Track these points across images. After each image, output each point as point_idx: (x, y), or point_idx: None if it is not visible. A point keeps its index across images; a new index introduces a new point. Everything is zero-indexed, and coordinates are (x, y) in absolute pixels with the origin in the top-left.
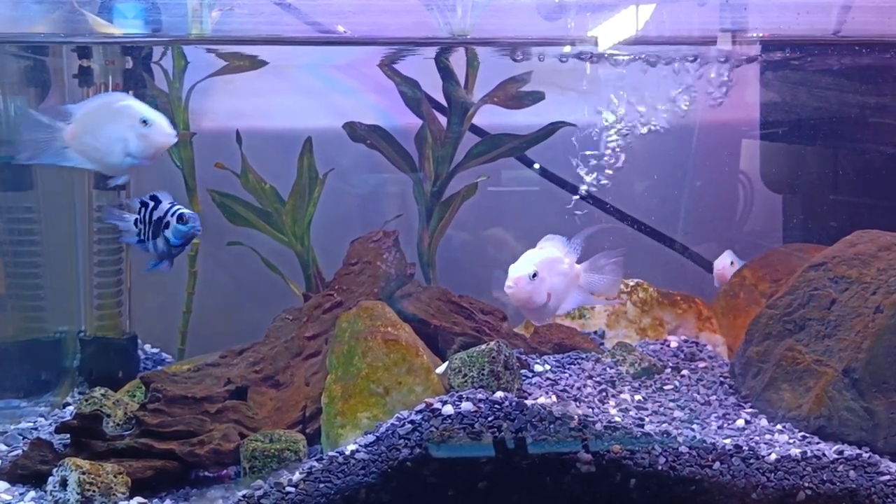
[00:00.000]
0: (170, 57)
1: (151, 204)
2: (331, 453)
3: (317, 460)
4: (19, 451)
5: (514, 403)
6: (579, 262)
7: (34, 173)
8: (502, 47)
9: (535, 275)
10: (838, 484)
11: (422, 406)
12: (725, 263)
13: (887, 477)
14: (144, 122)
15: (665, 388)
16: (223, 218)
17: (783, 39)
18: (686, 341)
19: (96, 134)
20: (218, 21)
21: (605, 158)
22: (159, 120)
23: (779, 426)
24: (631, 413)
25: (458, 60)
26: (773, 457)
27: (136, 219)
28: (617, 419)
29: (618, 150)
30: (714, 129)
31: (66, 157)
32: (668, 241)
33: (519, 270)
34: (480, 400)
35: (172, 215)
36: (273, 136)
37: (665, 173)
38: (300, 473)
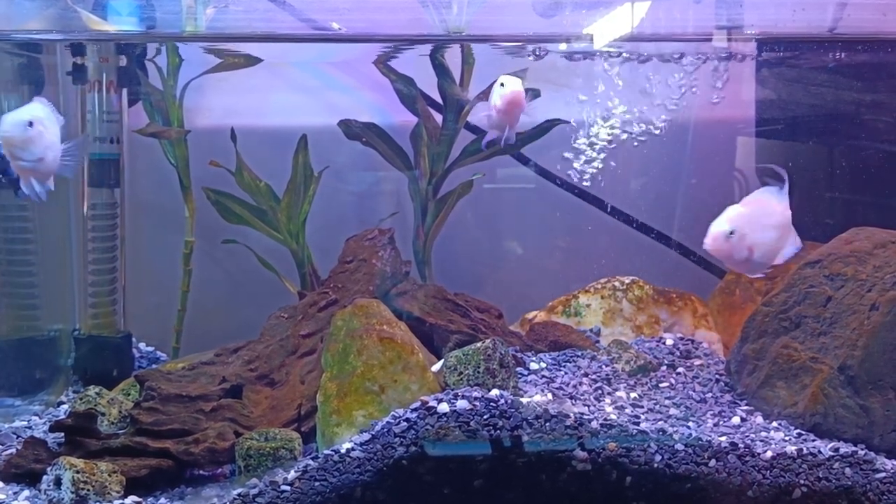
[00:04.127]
0: (164, 54)
1: None
2: (326, 452)
3: (312, 459)
4: (13, 450)
5: (509, 401)
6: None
7: None
8: (498, 44)
9: (731, 232)
10: (834, 481)
11: (417, 404)
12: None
13: (883, 474)
14: (30, 124)
15: (661, 385)
16: (218, 216)
17: (779, 36)
18: (682, 339)
19: None
20: (212, 18)
21: (601, 155)
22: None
23: (774, 424)
24: (627, 411)
25: (453, 58)
26: (769, 454)
27: None
28: (613, 417)
29: (612, 146)
30: (710, 127)
31: None
32: (663, 239)
33: (714, 227)
34: (476, 398)
35: None
36: (268, 134)
37: (661, 171)
38: (295, 472)
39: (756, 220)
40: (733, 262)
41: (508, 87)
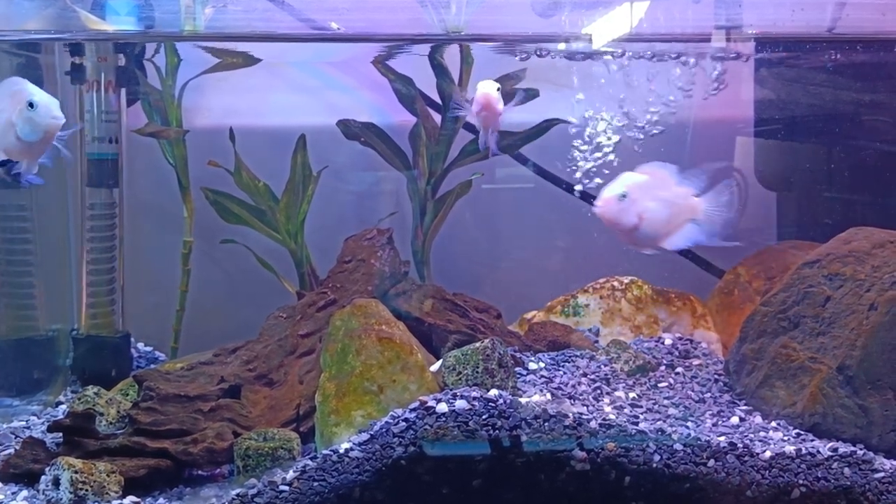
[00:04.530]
0: (162, 54)
1: None
2: (325, 452)
3: (311, 459)
4: (12, 450)
5: (508, 401)
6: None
7: None
8: (496, 44)
9: (623, 195)
10: (833, 481)
11: (416, 404)
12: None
13: (882, 474)
14: (31, 104)
15: (659, 385)
16: (217, 216)
17: (778, 36)
18: (680, 339)
19: None
20: (211, 18)
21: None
22: (45, 102)
23: (773, 424)
24: (625, 411)
25: (452, 57)
26: (768, 454)
27: None
28: (611, 417)
29: (612, 146)
30: (708, 126)
31: None
32: None
33: (608, 190)
34: (475, 398)
35: None
36: (267, 134)
37: None
38: (294, 472)
39: (649, 189)
40: (621, 228)
41: (479, 91)
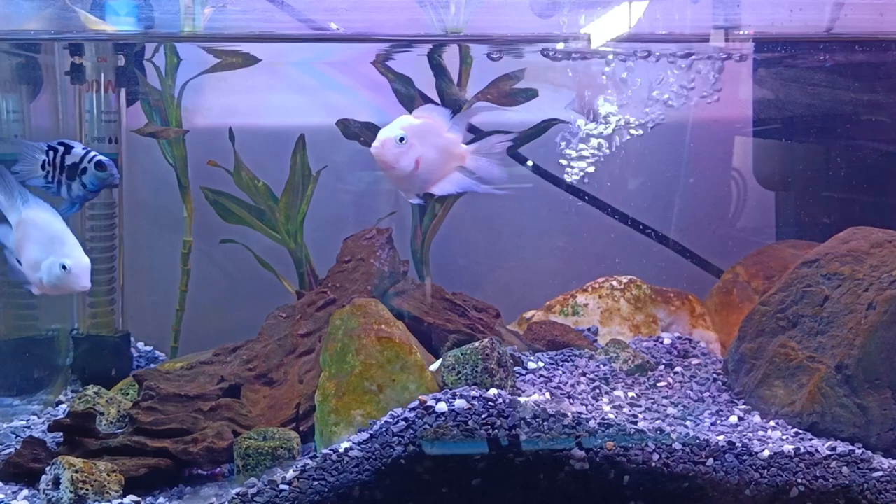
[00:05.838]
0: (162, 54)
1: (61, 149)
2: (324, 451)
3: (310, 458)
4: (12, 450)
5: (507, 401)
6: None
7: None
8: (496, 44)
9: (402, 139)
10: (831, 480)
11: (415, 403)
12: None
13: (880, 473)
14: (64, 267)
15: (658, 385)
16: (216, 215)
17: (776, 36)
18: (679, 338)
19: (24, 244)
20: (210, 18)
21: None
22: (77, 273)
23: (772, 423)
24: (624, 410)
25: (451, 58)
26: (766, 453)
27: (44, 160)
28: (610, 416)
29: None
30: (707, 126)
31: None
32: (661, 239)
33: (386, 133)
34: (474, 397)
35: (90, 161)
36: (266, 134)
37: (658, 170)
38: (294, 471)
39: (425, 134)
40: (397, 173)
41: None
